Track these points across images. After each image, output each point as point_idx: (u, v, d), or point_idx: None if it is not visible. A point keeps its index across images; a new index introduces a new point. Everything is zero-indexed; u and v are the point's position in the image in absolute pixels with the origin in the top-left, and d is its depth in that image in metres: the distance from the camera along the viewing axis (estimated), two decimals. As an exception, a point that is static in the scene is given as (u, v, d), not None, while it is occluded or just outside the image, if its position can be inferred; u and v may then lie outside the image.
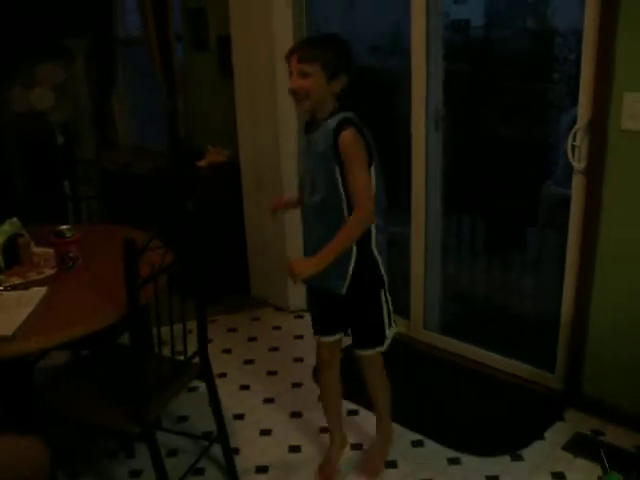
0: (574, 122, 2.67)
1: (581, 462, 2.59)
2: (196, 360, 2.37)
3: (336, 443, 2.62)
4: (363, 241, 2.21)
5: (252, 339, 3.61)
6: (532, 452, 2.66)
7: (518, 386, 3.06)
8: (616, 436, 2.71)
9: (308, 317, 3.79)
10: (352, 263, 2.21)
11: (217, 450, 2.61)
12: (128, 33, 4.67)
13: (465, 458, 2.64)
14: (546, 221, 4.35)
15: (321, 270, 2.11)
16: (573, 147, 2.65)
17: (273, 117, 3.50)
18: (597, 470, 2.52)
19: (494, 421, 2.87)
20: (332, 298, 2.30)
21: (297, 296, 3.81)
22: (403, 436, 2.77)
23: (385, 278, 2.29)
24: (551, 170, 4.34)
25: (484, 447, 2.70)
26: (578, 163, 2.66)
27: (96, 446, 2.77)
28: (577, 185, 2.70)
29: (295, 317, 3.82)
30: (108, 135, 4.62)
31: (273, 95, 3.46)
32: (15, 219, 2.46)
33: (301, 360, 3.38)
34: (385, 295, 2.32)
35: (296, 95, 2.14)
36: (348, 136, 2.08)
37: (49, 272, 2.38)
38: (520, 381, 3.08)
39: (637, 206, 2.54)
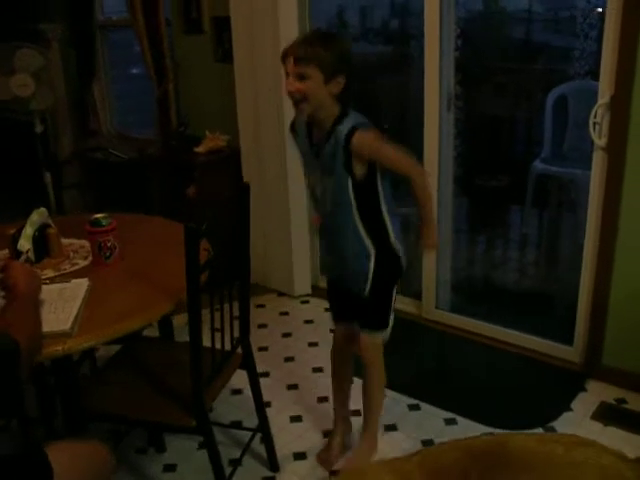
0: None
1: (611, 430, 2.67)
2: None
3: (338, 429, 2.61)
4: (380, 238, 2.23)
5: (262, 326, 3.56)
6: (563, 423, 2.72)
7: (537, 361, 3.12)
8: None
9: (314, 301, 3.83)
10: (372, 265, 2.24)
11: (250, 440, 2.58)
12: (108, 17, 4.51)
13: (499, 433, 2.68)
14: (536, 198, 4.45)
15: None
16: (594, 124, 2.71)
17: (277, 101, 3.44)
18: (629, 437, 2.60)
19: (519, 395, 2.93)
20: (351, 293, 2.32)
21: (302, 281, 3.79)
22: (435, 415, 2.79)
23: (404, 270, 2.33)
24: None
25: (515, 421, 2.74)
26: (599, 140, 2.72)
27: (123, 443, 2.70)
28: (598, 161, 2.75)
29: (301, 302, 3.79)
30: (89, 123, 4.47)
31: (277, 78, 3.40)
32: (43, 209, 2.35)
33: (316, 344, 3.36)
34: (399, 284, 2.35)
35: (294, 99, 2.06)
36: (360, 135, 2.05)
37: (83, 263, 2.29)
38: (538, 355, 3.14)
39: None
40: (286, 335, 3.47)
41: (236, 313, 2.26)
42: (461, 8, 3.15)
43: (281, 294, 3.85)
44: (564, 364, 3.06)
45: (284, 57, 2.06)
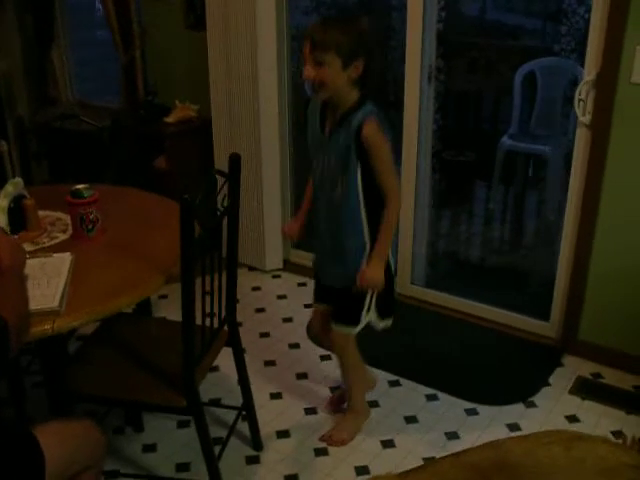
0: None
1: (589, 404, 2.71)
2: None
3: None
4: (376, 233, 2.20)
5: (234, 302, 3.49)
6: (542, 398, 2.75)
7: (513, 336, 3.14)
8: (615, 378, 2.85)
9: (286, 276, 3.78)
10: (364, 261, 2.21)
11: (230, 417, 2.53)
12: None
13: (481, 408, 2.69)
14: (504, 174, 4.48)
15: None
16: (579, 101, 2.70)
17: (253, 73, 3.34)
18: (606, 411, 2.65)
19: (497, 371, 2.94)
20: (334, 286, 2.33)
21: (274, 255, 3.72)
22: (416, 390, 2.79)
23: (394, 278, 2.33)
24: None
25: (495, 397, 2.76)
26: (583, 116, 2.72)
27: (100, 423, 2.60)
28: (581, 138, 2.76)
29: (273, 277, 3.73)
30: (48, 91, 4.26)
31: (253, 50, 3.29)
32: (18, 179, 2.22)
33: (290, 320, 3.31)
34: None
35: (312, 84, 2.04)
36: (372, 127, 2.05)
37: (63, 237, 2.18)
38: (514, 331, 3.16)
39: (642, 159, 2.63)
40: (259, 310, 3.40)
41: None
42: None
43: (252, 268, 3.78)
44: (540, 339, 3.09)
45: (303, 40, 2.02)
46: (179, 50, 3.75)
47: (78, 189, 2.13)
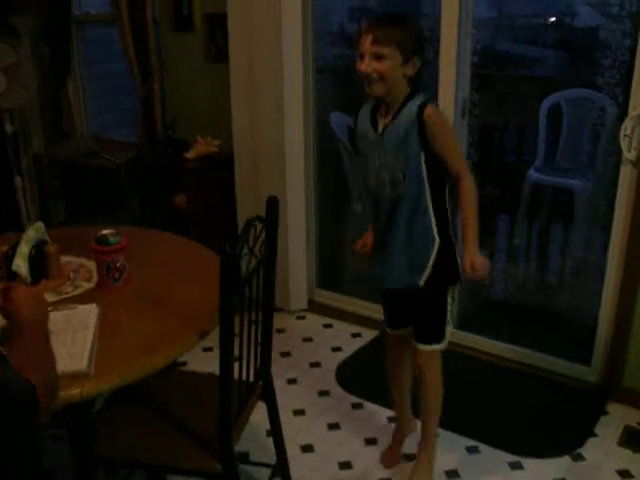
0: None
1: (641, 457, 2.55)
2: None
3: (403, 428, 2.54)
4: (444, 227, 2.13)
5: (258, 344, 3.35)
6: (590, 450, 2.59)
7: (550, 381, 2.99)
8: (664, 427, 2.70)
9: (311, 317, 3.63)
10: (434, 255, 2.12)
11: (260, 474, 2.38)
12: (86, 12, 4.22)
13: (525, 462, 2.54)
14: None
15: None
16: (624, 136, 2.58)
17: (278, 107, 3.23)
18: (660, 465, 2.49)
19: (537, 419, 2.78)
20: (406, 292, 2.21)
21: (298, 295, 3.59)
22: (456, 443, 2.63)
23: (461, 275, 2.18)
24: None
25: (540, 449, 2.60)
26: (628, 152, 2.60)
27: None
28: (626, 174, 2.64)
29: (297, 318, 3.59)
30: (62, 125, 4.16)
31: (279, 83, 3.19)
32: (40, 223, 2.09)
33: (318, 365, 3.16)
34: (453, 291, 2.23)
35: (369, 79, 2.01)
36: (433, 109, 2.02)
37: (87, 285, 2.05)
38: (552, 375, 3.01)
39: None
40: (285, 355, 3.26)
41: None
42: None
43: (276, 309, 3.63)
44: (581, 385, 2.94)
45: (359, 37, 2.01)
46: (199, 83, 3.65)
47: (104, 235, 2.00)
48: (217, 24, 3.41)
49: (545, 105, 4.35)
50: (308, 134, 3.41)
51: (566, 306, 3.67)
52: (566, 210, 4.21)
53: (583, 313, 3.18)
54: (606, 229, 2.87)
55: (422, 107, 2.00)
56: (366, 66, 1.99)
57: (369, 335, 3.40)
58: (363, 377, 3.06)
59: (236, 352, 1.85)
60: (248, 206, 3.48)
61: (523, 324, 3.47)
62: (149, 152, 3.70)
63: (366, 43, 1.98)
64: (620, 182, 2.66)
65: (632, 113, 2.56)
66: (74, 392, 1.54)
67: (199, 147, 3.52)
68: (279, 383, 2.98)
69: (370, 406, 2.85)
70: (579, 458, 2.55)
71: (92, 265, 2.12)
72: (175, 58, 3.72)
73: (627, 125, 2.57)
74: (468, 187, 2.06)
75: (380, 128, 2.10)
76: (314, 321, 3.55)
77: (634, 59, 2.52)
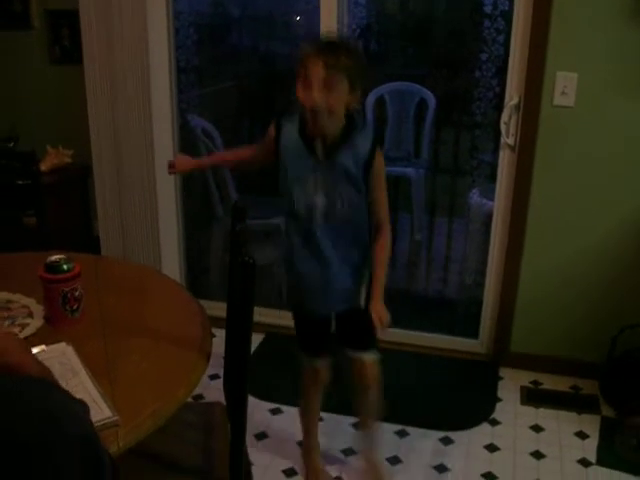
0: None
1: (544, 411, 2.84)
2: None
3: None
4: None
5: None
6: (501, 414, 2.82)
7: (440, 357, 3.19)
8: (552, 383, 3.02)
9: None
10: (367, 273, 2.13)
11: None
12: None
13: (454, 435, 2.68)
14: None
15: None
16: (503, 124, 2.84)
17: (145, 112, 3.02)
18: (560, 415, 2.79)
19: (445, 394, 2.96)
20: (348, 311, 2.19)
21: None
22: (385, 428, 2.70)
23: None
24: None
25: (459, 421, 2.77)
26: (507, 138, 2.85)
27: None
28: (505, 159, 2.89)
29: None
30: None
31: (145, 85, 2.99)
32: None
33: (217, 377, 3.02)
34: None
35: (315, 111, 1.85)
36: (382, 159, 2.00)
37: (35, 322, 1.75)
38: (440, 352, 3.21)
39: (565, 180, 2.82)
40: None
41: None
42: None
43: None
44: (474, 357, 3.18)
45: (305, 60, 1.82)
46: (42, 88, 3.27)
47: (54, 261, 1.73)
48: (61, 22, 3.08)
49: (371, 98, 4.58)
50: (175, 138, 3.23)
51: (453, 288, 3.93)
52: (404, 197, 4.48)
53: (471, 292, 3.44)
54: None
55: (375, 146, 1.96)
56: (318, 98, 1.82)
57: (254, 339, 3.32)
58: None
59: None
60: (113, 222, 3.21)
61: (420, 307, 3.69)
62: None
63: (316, 69, 1.81)
64: (499, 163, 2.93)
65: (510, 102, 2.81)
66: (113, 448, 1.33)
67: (52, 158, 3.16)
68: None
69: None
70: (495, 422, 2.77)
71: (21, 298, 1.84)
72: (6, 60, 3.28)
73: (505, 114, 2.83)
74: (386, 242, 2.08)
75: (320, 155, 1.97)
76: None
77: (507, 55, 2.78)
